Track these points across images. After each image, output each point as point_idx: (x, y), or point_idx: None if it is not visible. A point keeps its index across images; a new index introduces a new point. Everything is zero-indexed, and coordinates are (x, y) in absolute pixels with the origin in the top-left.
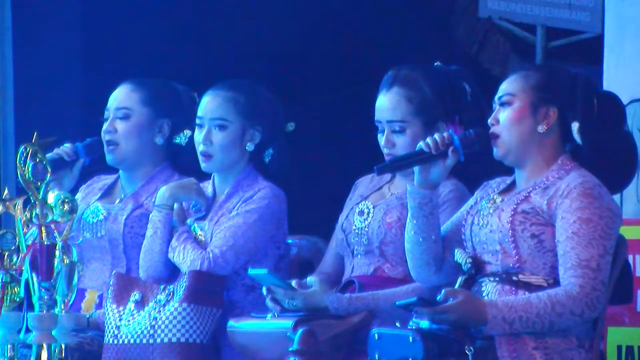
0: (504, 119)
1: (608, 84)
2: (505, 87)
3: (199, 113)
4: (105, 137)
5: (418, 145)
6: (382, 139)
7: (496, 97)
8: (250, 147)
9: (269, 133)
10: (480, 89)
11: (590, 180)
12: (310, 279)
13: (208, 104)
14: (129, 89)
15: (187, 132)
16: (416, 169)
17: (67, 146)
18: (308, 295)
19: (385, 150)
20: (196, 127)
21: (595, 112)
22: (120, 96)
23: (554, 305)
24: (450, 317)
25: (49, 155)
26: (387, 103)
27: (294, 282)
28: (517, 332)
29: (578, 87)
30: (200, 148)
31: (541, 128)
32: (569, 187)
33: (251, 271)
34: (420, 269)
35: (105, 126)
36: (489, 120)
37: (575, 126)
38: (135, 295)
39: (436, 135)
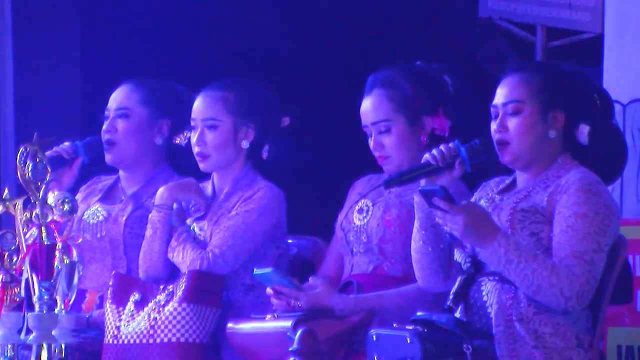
0: (515, 127)
1: (608, 84)
2: (508, 92)
3: (192, 115)
4: (105, 136)
5: (424, 157)
6: (371, 143)
7: (499, 102)
8: (245, 144)
9: (263, 130)
10: (478, 88)
11: (589, 176)
12: (312, 280)
13: (199, 105)
14: (129, 89)
15: (187, 133)
16: (423, 181)
17: (66, 144)
18: (312, 296)
19: (376, 154)
20: (192, 129)
21: (600, 112)
22: (121, 96)
23: (552, 274)
24: (460, 221)
25: (48, 153)
26: (369, 106)
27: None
28: (504, 271)
29: (580, 87)
30: (195, 150)
31: (552, 133)
32: (568, 183)
33: (256, 272)
34: (429, 277)
35: (105, 126)
36: (493, 127)
37: (585, 129)
38: (135, 296)
39: (442, 147)
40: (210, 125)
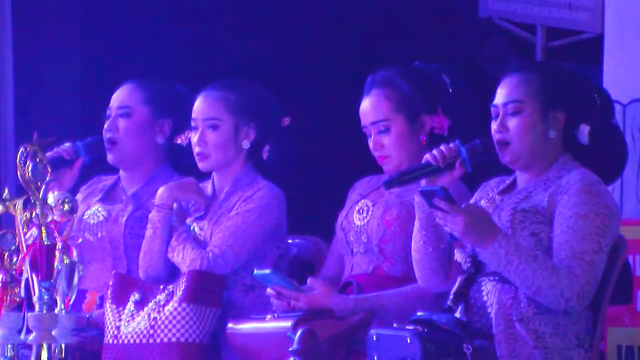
0: (515, 127)
1: (608, 84)
2: (509, 92)
3: (193, 115)
4: (106, 135)
5: (424, 157)
6: (370, 143)
7: (499, 102)
8: (245, 144)
9: (264, 130)
10: (478, 88)
11: (590, 177)
12: (310, 282)
13: (200, 105)
14: (131, 89)
15: (188, 133)
16: (423, 181)
17: (67, 145)
18: (312, 297)
19: (375, 154)
20: (193, 130)
21: (600, 112)
22: (122, 95)
23: (552, 275)
24: (461, 221)
25: (48, 154)
26: (368, 106)
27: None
28: (504, 272)
29: (580, 88)
30: (196, 150)
31: (552, 133)
32: (569, 184)
33: (256, 272)
34: (430, 277)
35: (106, 125)
36: (494, 127)
37: (585, 129)
38: (135, 296)
39: (442, 147)
40: (211, 125)
